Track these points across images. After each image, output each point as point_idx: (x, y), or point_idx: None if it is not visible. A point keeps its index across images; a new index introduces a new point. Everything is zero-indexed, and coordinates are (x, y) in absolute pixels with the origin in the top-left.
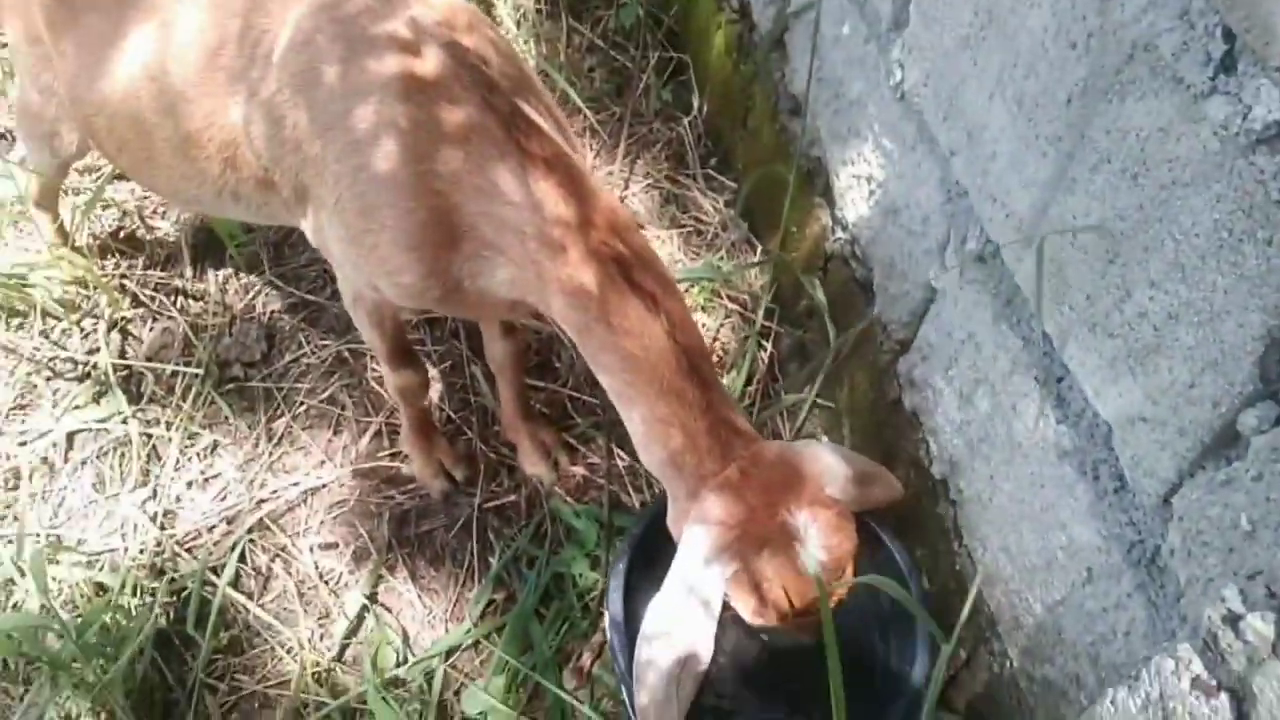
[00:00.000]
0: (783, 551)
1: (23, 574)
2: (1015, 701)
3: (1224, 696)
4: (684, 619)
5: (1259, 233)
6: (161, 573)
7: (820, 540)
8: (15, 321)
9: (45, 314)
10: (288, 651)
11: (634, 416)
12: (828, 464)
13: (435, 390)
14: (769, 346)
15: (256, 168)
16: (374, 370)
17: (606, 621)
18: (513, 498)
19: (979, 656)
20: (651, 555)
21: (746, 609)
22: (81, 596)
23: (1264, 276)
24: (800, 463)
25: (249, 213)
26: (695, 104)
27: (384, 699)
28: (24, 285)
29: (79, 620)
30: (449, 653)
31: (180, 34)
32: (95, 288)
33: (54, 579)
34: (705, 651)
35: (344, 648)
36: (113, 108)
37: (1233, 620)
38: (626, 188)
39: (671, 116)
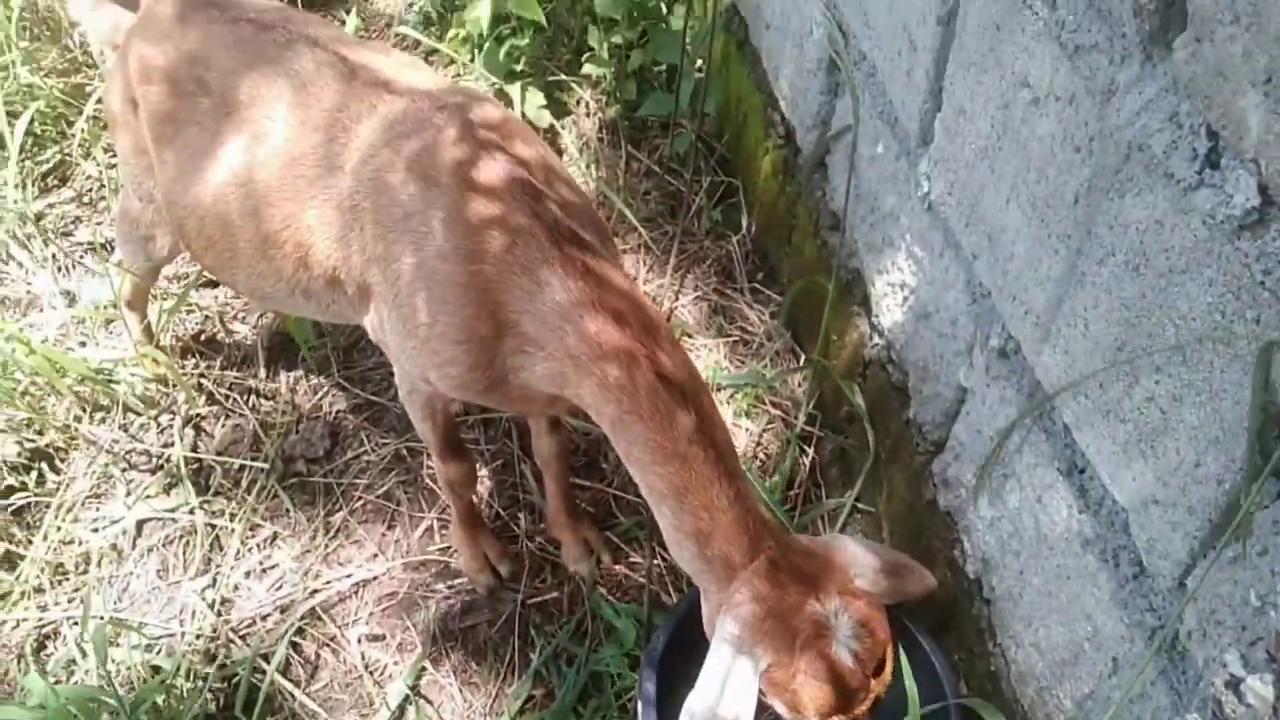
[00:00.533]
0: (813, 644)
1: (84, 654)
2: None
3: None
4: (722, 715)
5: (1247, 312)
6: (214, 658)
7: (850, 630)
8: (99, 415)
9: (126, 409)
10: None
11: (664, 510)
12: (855, 555)
13: (485, 487)
14: (810, 451)
15: (326, 267)
16: (429, 468)
17: (639, 707)
18: (555, 594)
19: None
20: (687, 649)
21: (782, 706)
22: (138, 677)
23: (1254, 354)
24: (828, 554)
25: (318, 310)
26: (744, 223)
27: None
28: (110, 381)
29: (133, 698)
30: None
31: (267, 146)
32: (174, 385)
33: (113, 660)
34: None
35: None
36: (204, 210)
37: (1234, 684)
38: (677, 299)
39: (721, 235)
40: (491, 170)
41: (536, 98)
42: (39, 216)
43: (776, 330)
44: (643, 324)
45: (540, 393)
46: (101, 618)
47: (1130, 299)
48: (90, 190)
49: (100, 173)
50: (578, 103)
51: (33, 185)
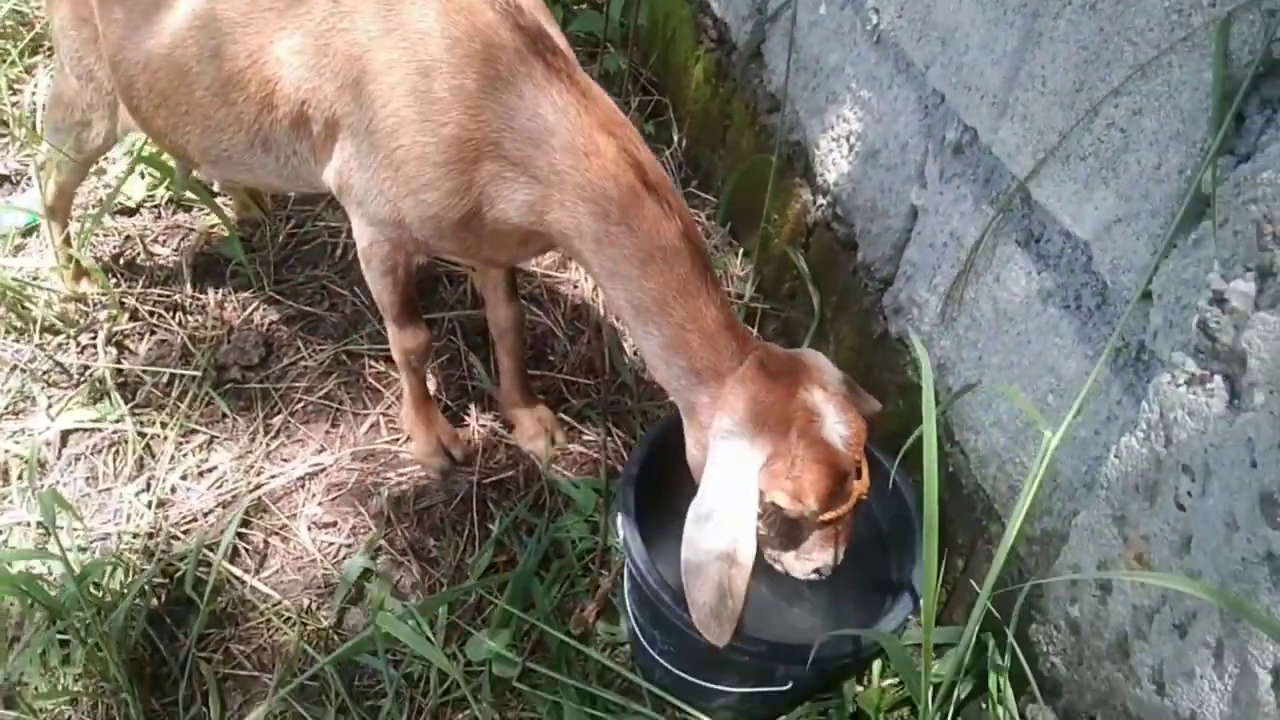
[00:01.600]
0: (808, 429)
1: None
2: (1018, 571)
3: (1215, 381)
4: (724, 515)
5: (1202, 1)
6: (154, 556)
7: (838, 415)
8: (11, 336)
9: (44, 328)
10: (285, 621)
11: (651, 329)
12: (823, 365)
13: (433, 382)
14: (754, 329)
15: (294, 102)
16: (371, 367)
17: (622, 537)
18: (510, 473)
19: (978, 551)
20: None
21: (785, 496)
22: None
23: (1209, 40)
24: (803, 359)
25: (275, 167)
26: (674, 137)
27: (393, 621)
28: (23, 300)
29: (80, 569)
30: (452, 607)
31: None
32: (95, 303)
33: (25, 551)
34: (749, 544)
35: (343, 613)
36: (158, 62)
37: (1219, 299)
38: None
39: (654, 150)
40: None
41: None
42: None
43: (713, 229)
44: (624, 134)
45: (513, 224)
46: (28, 524)
47: (1087, 38)
48: None
49: (1, 110)
50: None
51: None
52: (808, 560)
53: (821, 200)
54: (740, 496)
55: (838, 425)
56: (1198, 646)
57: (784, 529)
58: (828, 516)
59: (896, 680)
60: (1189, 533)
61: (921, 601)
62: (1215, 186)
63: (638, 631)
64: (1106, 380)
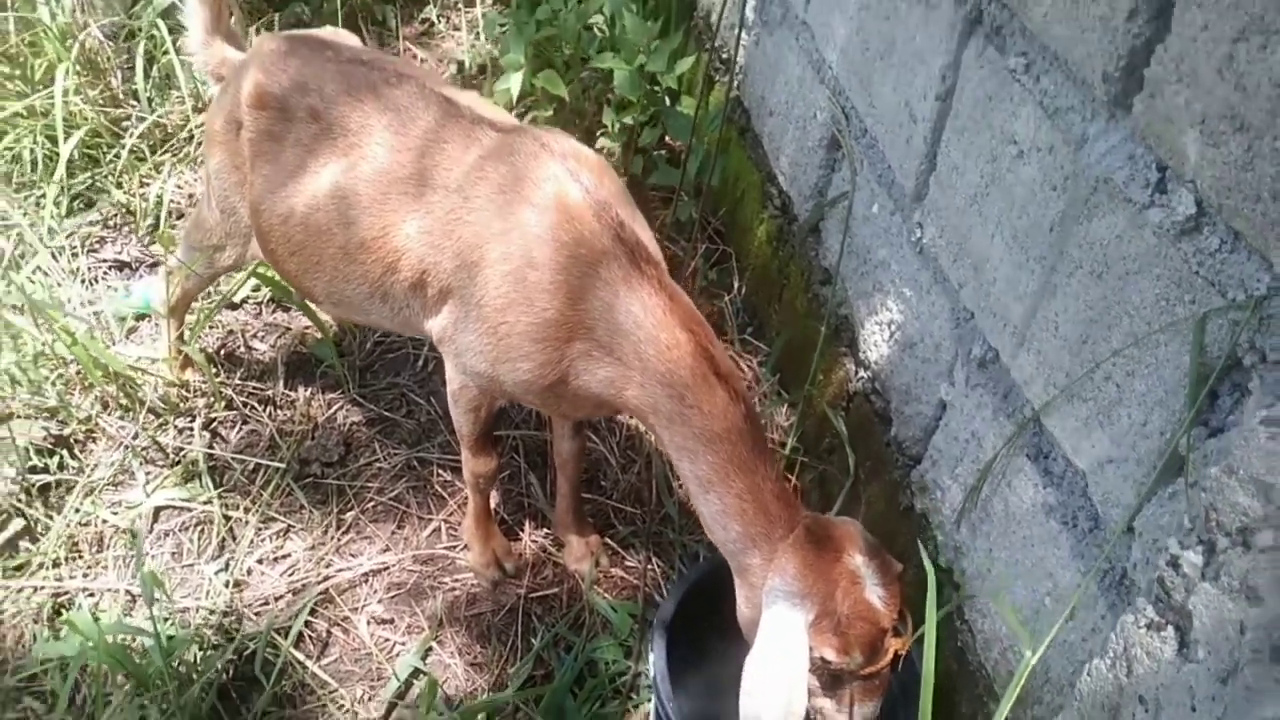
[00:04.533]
0: (852, 591)
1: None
2: None
3: (1169, 630)
4: (779, 668)
5: (1186, 297)
6: (228, 633)
7: (877, 578)
8: (118, 414)
9: (149, 409)
10: (339, 708)
11: (711, 497)
12: (860, 530)
13: (494, 495)
14: (793, 478)
15: (416, 270)
16: (439, 475)
17: (652, 676)
18: (555, 590)
19: None
20: (688, 622)
21: (831, 650)
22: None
23: (1189, 327)
24: (846, 527)
25: (388, 313)
26: (735, 285)
27: None
28: (133, 383)
29: (169, 643)
30: (491, 714)
31: (372, 164)
32: (196, 391)
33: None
34: (802, 696)
35: (392, 707)
36: (297, 219)
37: (1174, 562)
38: None
39: (715, 294)
40: (581, 197)
41: None
42: (69, 232)
43: (764, 376)
44: (703, 334)
45: (593, 394)
46: (115, 591)
47: (1094, 301)
48: (116, 215)
49: (127, 199)
50: None
51: (65, 205)
52: (847, 712)
53: (863, 373)
54: (793, 652)
55: (877, 588)
56: None
57: (827, 681)
58: (868, 670)
59: None
60: None
61: None
62: (1189, 453)
63: None
64: (1094, 596)
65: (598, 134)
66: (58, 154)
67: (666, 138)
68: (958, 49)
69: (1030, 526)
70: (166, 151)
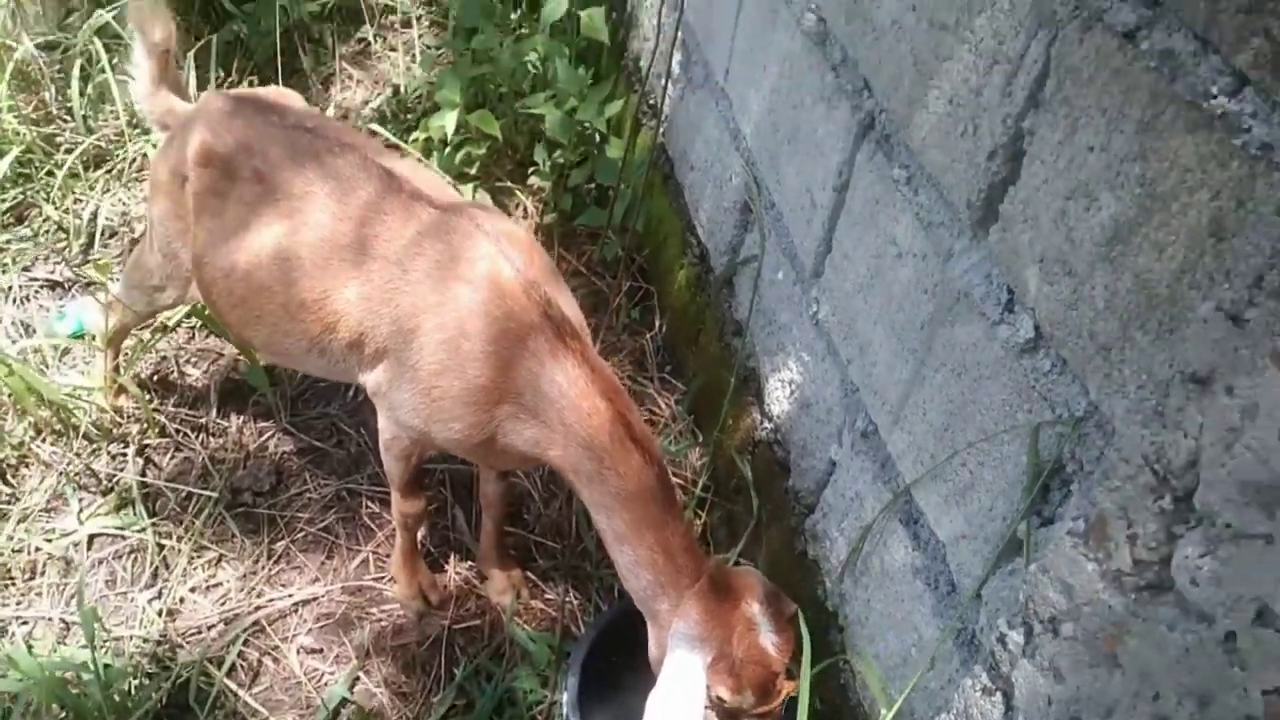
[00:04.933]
0: (747, 636)
1: (30, 649)
2: None
3: (999, 695)
4: (678, 705)
5: (1025, 406)
6: (161, 662)
7: (771, 626)
8: (50, 440)
9: (83, 435)
10: None
11: (625, 549)
12: (759, 579)
13: (420, 531)
14: (703, 515)
15: (354, 333)
16: (368, 507)
17: (564, 703)
18: (477, 621)
19: None
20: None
21: (726, 690)
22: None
23: (1027, 433)
24: (746, 578)
25: (324, 366)
26: (656, 324)
27: None
28: (67, 410)
29: (107, 676)
30: None
31: (313, 230)
32: (130, 416)
33: (61, 658)
34: None
35: None
36: (239, 274)
37: (1003, 639)
38: None
39: (636, 331)
40: (511, 275)
41: (484, 199)
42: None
43: (679, 414)
44: (621, 402)
45: (519, 452)
46: (49, 619)
47: (954, 395)
48: (49, 231)
49: (60, 217)
50: (518, 207)
51: None
52: None
53: (767, 423)
54: (690, 689)
55: (771, 634)
56: None
57: (725, 718)
58: (761, 710)
59: None
60: None
61: None
62: (1028, 537)
63: None
64: (950, 652)
65: (529, 170)
66: None
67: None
68: (852, 149)
69: (900, 584)
70: (101, 169)
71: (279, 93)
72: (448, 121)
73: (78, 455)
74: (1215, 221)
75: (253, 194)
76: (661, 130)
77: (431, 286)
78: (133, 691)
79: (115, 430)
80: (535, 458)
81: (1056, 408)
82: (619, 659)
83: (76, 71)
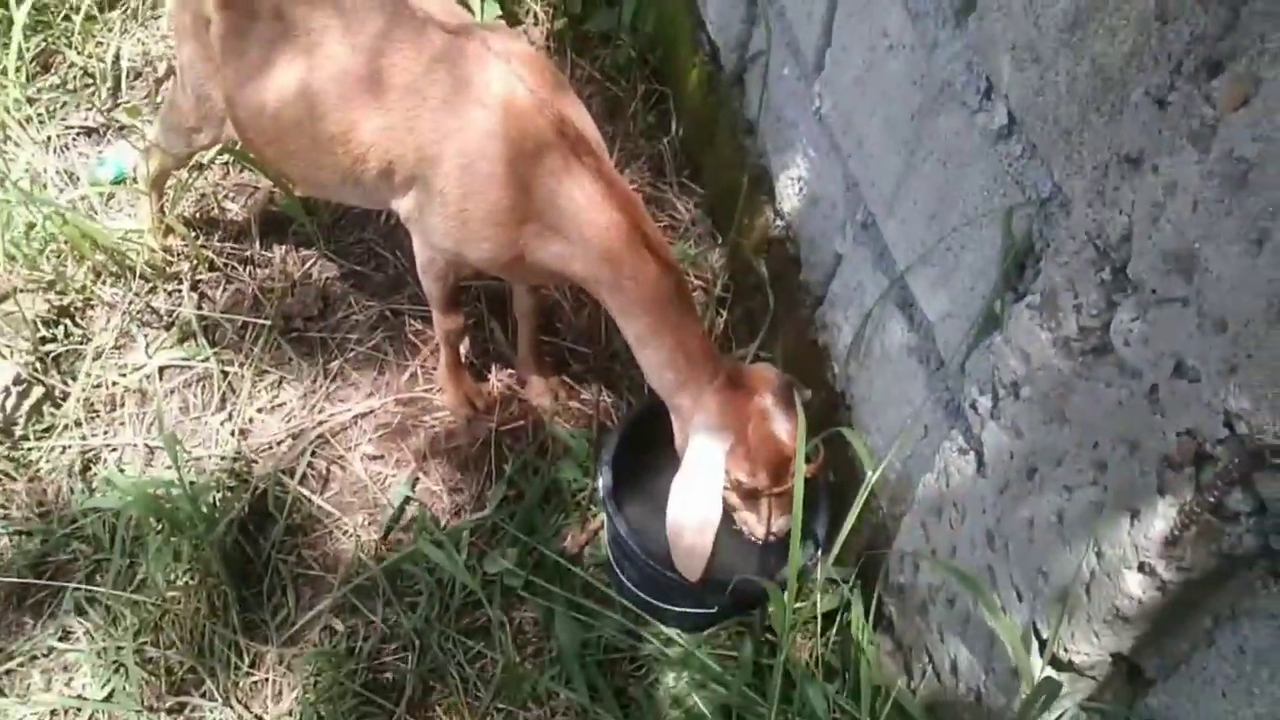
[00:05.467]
0: (762, 425)
1: (122, 471)
2: (886, 540)
3: (971, 454)
4: (700, 487)
5: (1000, 190)
6: (239, 475)
7: (782, 415)
8: (109, 282)
9: (139, 275)
10: (344, 534)
11: (648, 352)
12: (774, 374)
13: (462, 344)
14: (724, 313)
15: (383, 162)
16: (411, 325)
17: (601, 495)
18: (521, 423)
19: (863, 517)
20: (626, 459)
21: (743, 473)
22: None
23: (1003, 215)
24: (759, 372)
25: (360, 196)
26: (673, 126)
27: (430, 544)
28: (121, 251)
29: (193, 490)
30: (474, 530)
31: (331, 63)
32: (180, 255)
33: (151, 479)
34: (717, 509)
35: (389, 530)
36: (269, 112)
37: (974, 405)
38: None
39: (653, 136)
40: (525, 96)
41: (493, 8)
42: (30, 101)
43: (699, 218)
44: (636, 214)
45: (546, 268)
46: (135, 445)
47: (940, 184)
48: (75, 78)
49: (85, 62)
50: (528, 13)
51: (24, 71)
52: (765, 523)
53: (779, 221)
54: (711, 474)
55: (783, 423)
56: (958, 614)
57: (746, 499)
58: (778, 489)
59: (804, 604)
60: (954, 543)
61: (790, 558)
62: (1003, 312)
63: (611, 559)
64: (940, 420)
65: None
66: (9, 16)
67: None
68: None
69: (898, 363)
70: (116, 9)
71: None
72: None
73: (137, 295)
74: (1160, 5)
75: (274, 31)
76: None
77: (449, 112)
78: (217, 503)
79: (168, 269)
80: (560, 273)
81: (1027, 190)
82: (648, 448)
83: None
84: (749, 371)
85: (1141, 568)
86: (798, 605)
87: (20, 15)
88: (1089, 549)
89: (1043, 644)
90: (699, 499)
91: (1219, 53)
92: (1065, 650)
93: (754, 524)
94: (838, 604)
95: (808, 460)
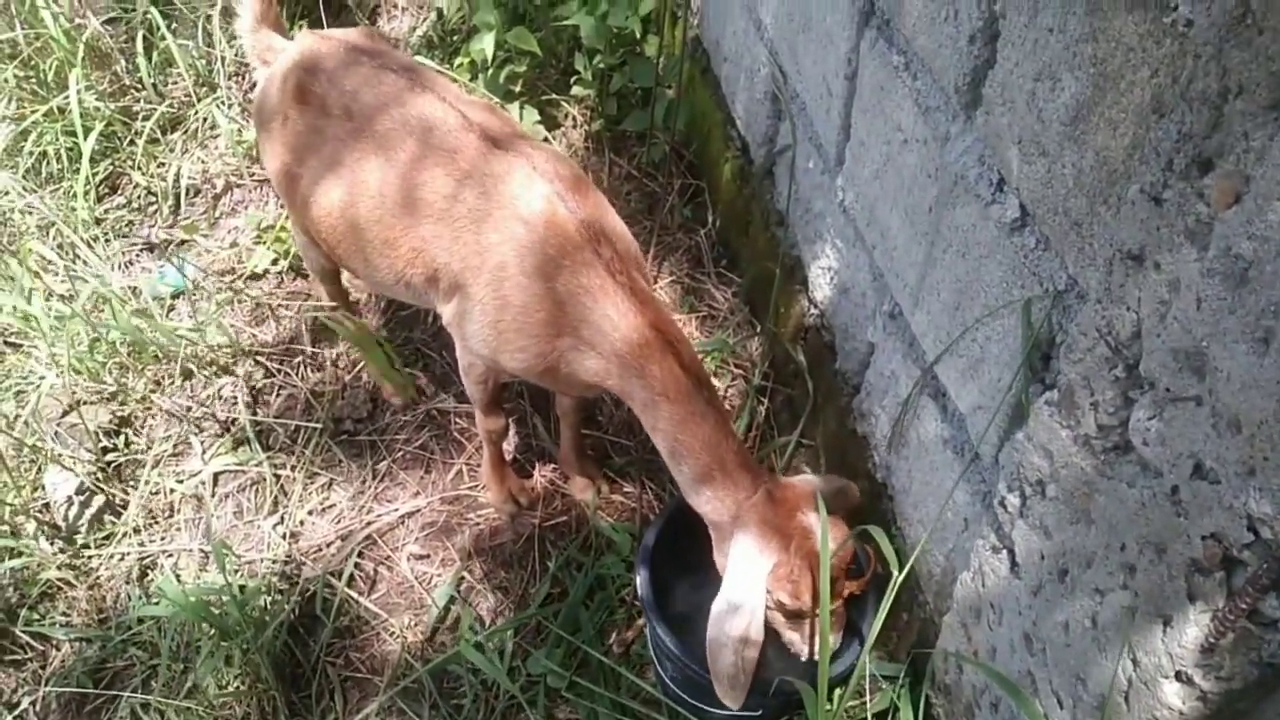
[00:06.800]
0: (804, 546)
1: (179, 579)
2: (934, 637)
3: (1004, 553)
4: (741, 607)
5: (1019, 282)
6: (290, 579)
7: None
8: (168, 387)
9: (209, 373)
10: (390, 635)
11: (684, 468)
12: (817, 482)
13: (505, 442)
14: (765, 401)
15: (431, 269)
16: (456, 423)
17: (638, 587)
18: (565, 518)
19: (913, 613)
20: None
21: (786, 595)
22: (229, 596)
23: (1020, 303)
24: (802, 486)
25: (410, 296)
26: (709, 219)
27: (472, 647)
28: (178, 353)
29: (242, 597)
30: (517, 630)
31: (397, 172)
32: (241, 354)
33: (202, 584)
34: (758, 629)
35: (435, 630)
36: (338, 213)
37: (1003, 502)
38: (656, 283)
39: (691, 229)
40: (568, 217)
41: (531, 114)
42: (99, 220)
43: (737, 306)
44: (669, 332)
45: (581, 380)
46: (190, 550)
47: (961, 275)
48: (139, 197)
49: (148, 182)
50: (566, 117)
51: (92, 195)
52: (810, 643)
53: (814, 310)
54: (753, 596)
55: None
56: (1002, 719)
57: (790, 618)
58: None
59: (856, 703)
60: (994, 645)
61: (820, 670)
62: (1027, 406)
63: (654, 659)
64: (979, 514)
65: (572, 80)
66: (79, 147)
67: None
68: (857, 36)
69: (933, 454)
70: (177, 131)
71: (367, 32)
72: (486, 44)
73: (195, 402)
74: (1156, 99)
75: (344, 131)
76: (695, 22)
77: (492, 226)
78: (267, 606)
79: (230, 368)
80: (595, 385)
81: (1044, 282)
82: (692, 540)
83: (140, 43)
84: (789, 486)
85: (1179, 676)
86: (849, 704)
87: (88, 147)
88: (1124, 656)
89: None
90: (741, 622)
91: (1208, 150)
92: None
93: (799, 644)
94: (888, 704)
95: (860, 575)
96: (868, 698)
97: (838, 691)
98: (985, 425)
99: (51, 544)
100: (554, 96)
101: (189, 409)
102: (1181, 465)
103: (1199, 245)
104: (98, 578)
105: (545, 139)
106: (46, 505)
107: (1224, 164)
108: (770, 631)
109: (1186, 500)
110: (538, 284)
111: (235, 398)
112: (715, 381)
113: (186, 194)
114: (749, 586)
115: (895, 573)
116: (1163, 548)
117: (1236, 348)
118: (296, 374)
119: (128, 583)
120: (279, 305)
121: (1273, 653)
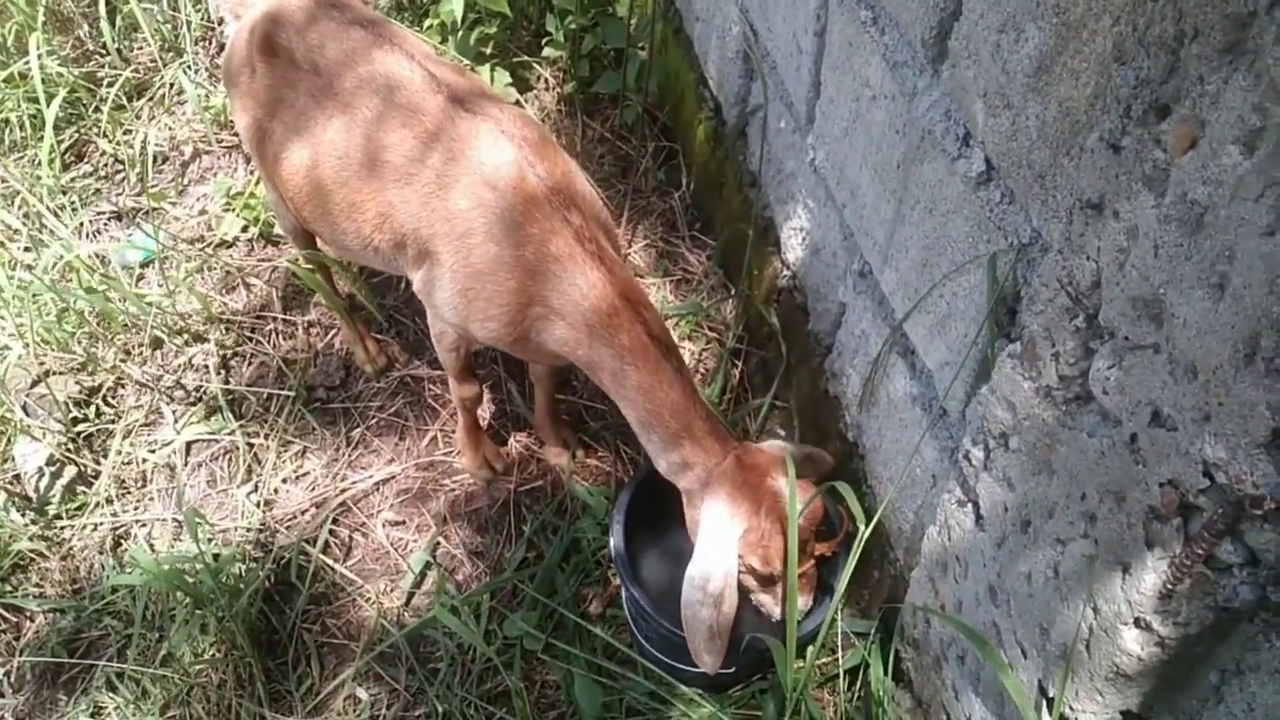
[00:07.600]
0: (774, 510)
1: (152, 549)
2: (903, 593)
3: (969, 506)
4: (713, 572)
5: (984, 236)
6: (264, 546)
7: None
8: (142, 350)
9: (180, 342)
10: (366, 601)
11: (653, 437)
12: (788, 449)
13: (479, 408)
14: (739, 363)
15: (398, 234)
16: (430, 389)
17: (612, 549)
18: (540, 483)
19: (883, 570)
20: (641, 516)
21: (757, 560)
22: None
23: (986, 258)
24: (772, 451)
25: (379, 262)
26: (683, 181)
27: (448, 611)
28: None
29: (216, 564)
30: (493, 594)
31: (362, 132)
32: (212, 321)
33: (176, 553)
34: (731, 593)
35: (411, 596)
36: (304, 173)
37: (968, 456)
38: (629, 247)
39: (665, 192)
40: (536, 183)
41: (503, 76)
42: (65, 190)
43: (711, 269)
44: (638, 299)
45: (549, 350)
46: (163, 519)
47: (929, 231)
48: (106, 165)
49: (114, 149)
50: (538, 80)
51: (57, 163)
52: (782, 605)
53: (786, 271)
54: (725, 561)
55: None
56: (969, 670)
57: (763, 581)
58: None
59: (829, 659)
60: (960, 598)
61: (786, 620)
62: (993, 360)
63: (629, 618)
64: (946, 470)
65: (543, 41)
66: (42, 114)
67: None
68: None
69: (903, 411)
70: (143, 98)
71: None
72: (456, 5)
73: (166, 370)
74: (1118, 47)
75: (313, 87)
76: None
77: (460, 192)
78: (242, 574)
79: (201, 335)
80: (562, 354)
81: (1009, 236)
82: (666, 501)
83: (102, 6)
84: (759, 451)
85: (1138, 623)
86: (821, 661)
87: (51, 114)
88: (1085, 605)
89: (1050, 702)
90: (713, 588)
91: (1165, 95)
92: (1071, 709)
93: (771, 605)
94: (860, 660)
95: (831, 536)
96: (840, 654)
97: (809, 649)
98: (951, 380)
99: (23, 515)
100: (525, 59)
101: (160, 378)
102: (1140, 413)
103: (1156, 192)
104: (70, 548)
105: (517, 101)
106: (17, 477)
107: (1180, 109)
108: (744, 593)
109: (1145, 448)
110: (507, 251)
111: (206, 366)
112: (690, 345)
113: (154, 161)
114: (721, 552)
115: (862, 528)
116: (1122, 496)
117: (1192, 294)
118: (268, 341)
119: (101, 553)
120: (249, 271)
121: (1228, 597)
